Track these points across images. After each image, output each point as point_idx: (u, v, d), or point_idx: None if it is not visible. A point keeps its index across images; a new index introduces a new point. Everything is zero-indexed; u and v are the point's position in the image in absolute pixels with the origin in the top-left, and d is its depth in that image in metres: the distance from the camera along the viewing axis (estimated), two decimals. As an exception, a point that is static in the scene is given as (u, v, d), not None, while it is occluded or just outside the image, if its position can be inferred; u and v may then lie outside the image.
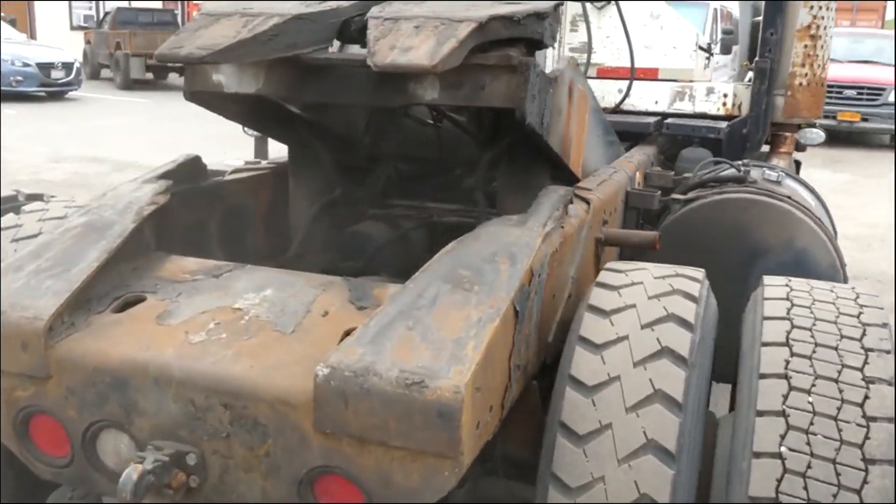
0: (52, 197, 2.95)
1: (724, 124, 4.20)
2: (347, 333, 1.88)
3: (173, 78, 23.21)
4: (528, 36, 2.24)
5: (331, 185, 3.03)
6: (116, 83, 22.28)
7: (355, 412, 1.62)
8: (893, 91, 14.69)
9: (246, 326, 1.93)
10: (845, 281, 3.05)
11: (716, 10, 10.28)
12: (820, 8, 4.03)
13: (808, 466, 1.61)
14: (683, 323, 1.90)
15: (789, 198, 3.09)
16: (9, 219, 2.58)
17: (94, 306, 2.04)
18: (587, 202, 2.58)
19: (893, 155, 13.22)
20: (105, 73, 23.94)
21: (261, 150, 5.27)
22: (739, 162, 3.47)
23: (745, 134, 4.19)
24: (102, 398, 1.86)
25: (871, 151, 14.84)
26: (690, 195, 3.23)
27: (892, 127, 14.79)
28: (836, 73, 11.09)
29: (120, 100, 19.23)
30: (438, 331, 1.72)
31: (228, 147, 12.74)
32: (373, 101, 2.44)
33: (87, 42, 24.88)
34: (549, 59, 4.76)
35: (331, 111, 2.92)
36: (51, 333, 1.89)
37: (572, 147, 2.75)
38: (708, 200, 3.14)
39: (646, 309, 1.95)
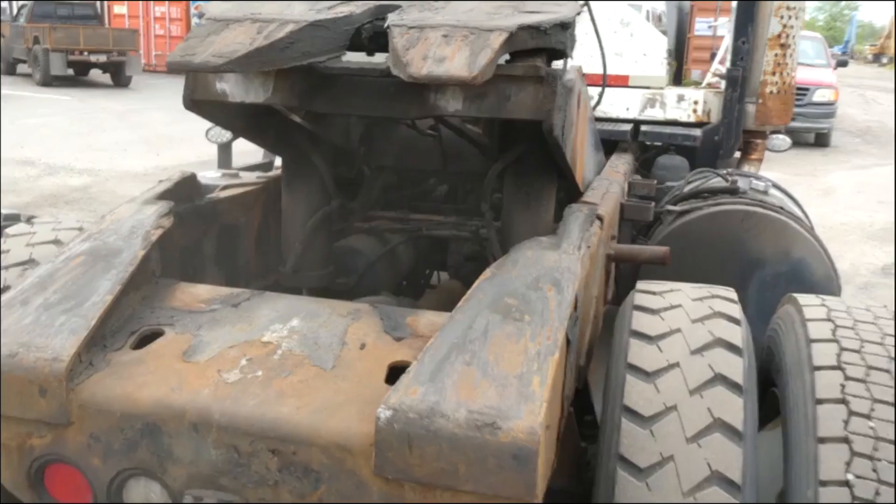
0: (33, 217, 2.76)
1: (698, 131, 4.24)
2: (392, 368, 1.81)
3: (95, 74, 22.41)
4: (552, 46, 2.19)
5: (327, 198, 2.93)
6: (35, 79, 21.35)
7: (421, 456, 1.55)
8: (822, 91, 15.20)
9: (281, 362, 1.83)
10: (839, 290, 3.11)
11: (648, 11, 10.44)
12: (790, 17, 4.10)
13: (877, 493, 1.61)
14: (732, 347, 1.88)
15: (782, 208, 3.13)
16: (-9, 244, 2.41)
17: (110, 342, 1.91)
18: (601, 219, 2.55)
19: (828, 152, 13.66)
20: (21, 68, 22.92)
21: (224, 159, 5.09)
22: (725, 171, 3.49)
23: (718, 141, 4.23)
24: (132, 445, 1.74)
25: (799, 150, 15.34)
26: (684, 206, 3.24)
27: (817, 126, 15.32)
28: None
29: (41, 97, 18.43)
30: (498, 365, 1.66)
31: (161, 149, 12.40)
32: (390, 112, 2.36)
33: (1, 36, 23.78)
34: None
35: (328, 121, 2.82)
36: (70, 375, 1.75)
37: (578, 158, 2.72)
38: (704, 212, 3.15)
39: (692, 334, 1.92)
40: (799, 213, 3.42)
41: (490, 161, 2.83)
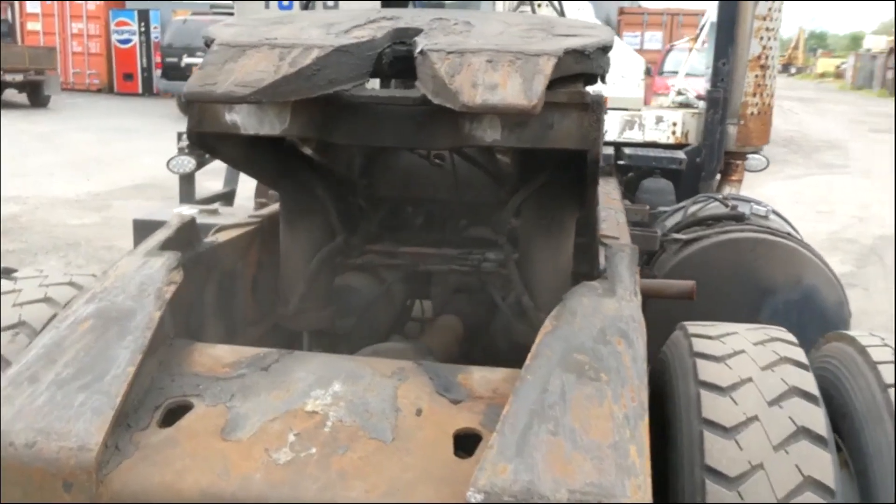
0: (11, 270, 2.49)
1: (682, 154, 4.20)
2: (458, 437, 1.65)
3: (10, 94, 21.43)
4: (594, 71, 2.08)
5: (329, 233, 2.75)
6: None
7: None
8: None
9: (334, 436, 1.65)
10: (850, 315, 3.07)
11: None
12: (769, 38, 4.11)
13: None
14: (809, 396, 1.78)
15: (789, 234, 3.09)
16: (-28, 305, 2.14)
17: (133, 420, 1.70)
18: None
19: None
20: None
21: (187, 191, 4.83)
22: (722, 196, 3.45)
23: (700, 163, 4.21)
24: None
25: (730, 160, 15.75)
26: (690, 235, 3.17)
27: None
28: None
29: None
30: (587, 434, 1.52)
31: (91, 172, 11.87)
32: (418, 142, 2.23)
33: None
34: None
35: (335, 151, 2.65)
36: (98, 465, 1.54)
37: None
38: (714, 241, 3.08)
39: (764, 382, 1.82)
40: (802, 238, 3.39)
41: (505, 190, 2.71)
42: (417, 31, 2.16)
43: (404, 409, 1.73)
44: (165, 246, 2.21)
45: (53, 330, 1.83)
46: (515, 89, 1.79)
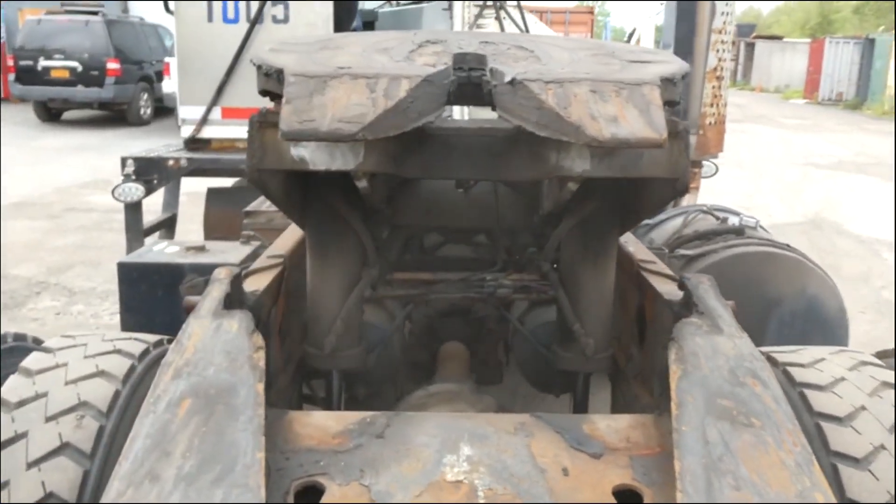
0: (36, 339, 2.21)
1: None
2: (618, 494, 1.61)
3: None
4: (674, 98, 2.07)
5: (359, 266, 2.63)
6: None
7: None
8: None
9: None
10: (848, 322, 3.21)
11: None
12: (724, 50, 4.25)
13: None
14: None
15: (789, 245, 3.19)
16: (14, 385, 1.87)
17: None
18: None
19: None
20: None
21: (133, 220, 4.49)
22: (707, 207, 3.53)
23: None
24: None
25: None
26: (697, 251, 3.22)
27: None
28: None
29: None
30: (769, 486, 1.51)
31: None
32: (498, 174, 2.18)
33: None
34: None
35: (374, 181, 2.53)
36: None
37: None
38: (724, 256, 3.14)
39: (875, 408, 1.86)
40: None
41: (541, 217, 2.67)
42: (478, 57, 2.10)
43: (549, 469, 1.67)
44: (227, 304, 2.03)
45: (150, 415, 1.63)
46: (638, 121, 1.75)
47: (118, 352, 2.02)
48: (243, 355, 1.81)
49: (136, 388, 1.96)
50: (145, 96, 20.14)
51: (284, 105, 1.79)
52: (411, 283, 3.14)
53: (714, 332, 1.92)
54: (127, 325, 3.07)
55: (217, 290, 2.08)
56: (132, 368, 1.99)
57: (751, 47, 45.06)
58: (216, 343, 1.84)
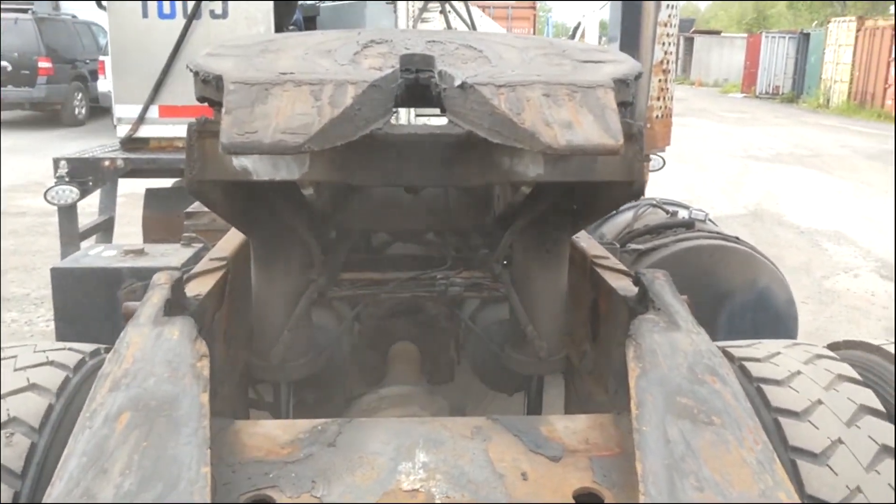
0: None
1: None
2: (579, 497, 1.57)
3: None
4: (628, 99, 2.03)
5: (306, 273, 2.55)
6: None
7: None
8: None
9: None
10: (797, 313, 3.24)
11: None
12: (669, 44, 4.25)
13: None
14: (879, 414, 1.83)
15: (738, 238, 3.20)
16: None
17: None
18: None
19: None
20: None
21: (68, 224, 4.30)
22: (654, 200, 3.52)
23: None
24: None
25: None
26: (648, 245, 3.21)
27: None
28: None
29: None
30: (732, 486, 1.48)
31: None
32: (451, 180, 2.11)
33: None
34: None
35: (320, 188, 2.45)
36: None
37: None
38: (674, 250, 3.14)
39: (833, 403, 1.85)
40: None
41: (492, 217, 2.62)
42: (426, 59, 2.03)
43: (507, 474, 1.62)
44: (167, 310, 1.93)
45: (86, 431, 1.53)
46: (593, 127, 1.70)
47: (51, 363, 1.91)
48: (185, 364, 1.72)
49: (70, 401, 1.86)
50: (79, 96, 19.58)
51: (225, 116, 1.71)
52: (360, 283, 3.07)
53: (671, 328, 1.90)
54: (62, 335, 2.93)
55: (157, 295, 1.98)
56: (66, 380, 1.88)
57: (690, 42, 45.82)
58: (157, 352, 1.75)
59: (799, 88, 33.74)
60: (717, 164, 14.81)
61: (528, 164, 1.97)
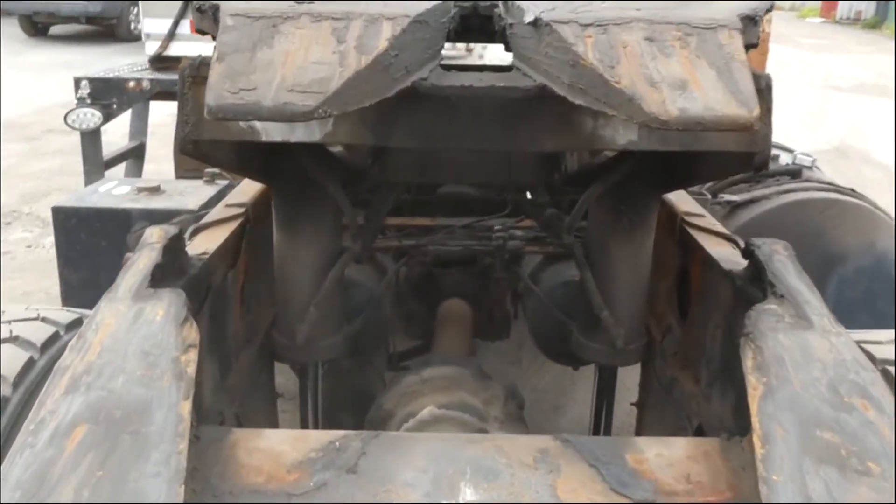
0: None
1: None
2: None
3: None
4: (753, 42, 1.54)
5: (339, 237, 2.15)
6: None
7: None
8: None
9: None
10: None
11: None
12: None
13: None
14: None
15: (853, 191, 2.68)
16: None
17: None
18: None
19: None
20: None
21: (91, 152, 3.95)
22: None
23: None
24: None
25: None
26: (745, 196, 2.71)
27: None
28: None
29: None
30: None
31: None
32: (516, 144, 1.63)
33: None
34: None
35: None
36: None
37: None
38: (778, 203, 2.64)
39: None
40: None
41: (563, 175, 2.16)
42: None
43: None
44: (156, 279, 1.54)
45: (27, 452, 1.16)
46: (715, 89, 1.24)
47: (14, 340, 1.55)
48: (166, 357, 1.34)
49: (31, 394, 1.51)
50: (135, 10, 19.18)
51: (215, 64, 1.29)
52: (405, 232, 2.67)
53: (802, 326, 1.44)
54: (67, 283, 2.59)
55: (144, 259, 1.59)
56: (30, 363, 1.53)
57: (767, -38, 43.33)
58: (131, 338, 1.37)
59: (882, 14, 31.66)
60: (796, 95, 13.85)
61: (618, 128, 1.53)
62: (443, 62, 1.52)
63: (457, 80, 1.55)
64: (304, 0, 1.44)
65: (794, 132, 10.58)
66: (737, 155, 1.59)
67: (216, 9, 1.41)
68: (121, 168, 4.65)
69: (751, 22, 1.45)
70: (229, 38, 1.33)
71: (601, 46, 1.31)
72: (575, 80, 1.30)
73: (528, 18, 1.40)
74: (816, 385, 1.31)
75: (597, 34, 1.33)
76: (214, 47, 1.34)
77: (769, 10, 1.55)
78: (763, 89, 1.49)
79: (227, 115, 1.24)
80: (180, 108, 1.56)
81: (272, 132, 1.56)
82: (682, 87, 1.25)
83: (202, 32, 1.56)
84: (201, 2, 1.46)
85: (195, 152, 1.61)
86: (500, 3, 1.59)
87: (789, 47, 22.13)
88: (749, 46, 1.53)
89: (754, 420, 1.25)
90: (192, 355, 1.35)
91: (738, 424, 1.67)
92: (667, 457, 1.35)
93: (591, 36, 1.33)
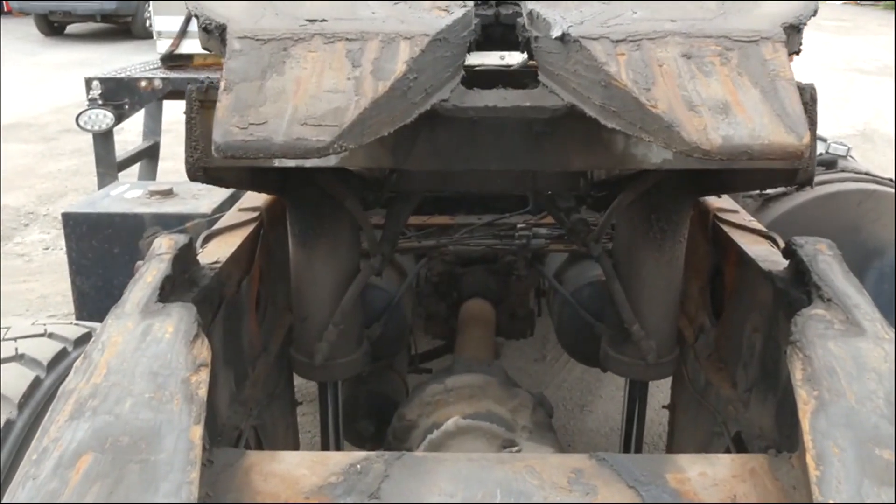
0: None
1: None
2: None
3: None
4: (796, 51, 1.46)
5: (357, 252, 2.08)
6: None
7: None
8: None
9: None
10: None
11: None
12: None
13: None
14: None
15: (893, 180, 2.57)
16: None
17: None
18: None
19: None
20: None
21: (104, 153, 3.90)
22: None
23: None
24: None
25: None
26: (777, 189, 2.60)
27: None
28: None
29: None
30: None
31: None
32: (542, 164, 1.55)
33: None
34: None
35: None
36: None
37: None
38: (813, 195, 2.53)
39: None
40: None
41: (590, 182, 2.07)
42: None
43: None
44: (165, 292, 1.47)
45: (29, 483, 1.10)
46: (760, 112, 1.16)
47: (19, 358, 1.48)
48: (176, 378, 1.26)
49: (38, 416, 1.44)
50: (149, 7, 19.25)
51: (222, 95, 1.22)
52: (425, 232, 2.59)
53: (854, 333, 1.35)
54: (80, 291, 2.53)
55: (153, 271, 1.53)
56: (36, 383, 1.46)
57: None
58: (140, 359, 1.30)
59: (905, -7, 31.10)
60: (819, 78, 13.59)
61: (652, 146, 1.44)
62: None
63: (479, 99, 1.46)
64: (316, 20, 1.36)
65: (818, 117, 10.40)
66: (780, 171, 1.50)
67: (223, 29, 1.34)
68: (135, 169, 4.60)
69: (794, 30, 1.37)
70: (237, 64, 1.26)
71: (635, 65, 1.22)
72: (607, 102, 1.22)
73: (556, 32, 1.31)
74: (873, 398, 1.22)
75: (630, 51, 1.25)
76: (221, 74, 1.27)
77: (814, 13, 1.45)
78: (807, 102, 1.40)
79: (235, 153, 1.17)
80: (188, 134, 1.51)
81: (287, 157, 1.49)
82: (725, 111, 1.16)
83: (209, 50, 1.50)
84: (207, 21, 1.38)
85: (206, 178, 1.55)
86: (523, 9, 1.50)
87: (811, 30, 21.74)
88: (792, 55, 1.44)
89: (806, 438, 1.16)
90: (204, 375, 1.28)
91: (782, 435, 1.58)
92: (710, 476, 1.26)
93: (623, 53, 1.24)
